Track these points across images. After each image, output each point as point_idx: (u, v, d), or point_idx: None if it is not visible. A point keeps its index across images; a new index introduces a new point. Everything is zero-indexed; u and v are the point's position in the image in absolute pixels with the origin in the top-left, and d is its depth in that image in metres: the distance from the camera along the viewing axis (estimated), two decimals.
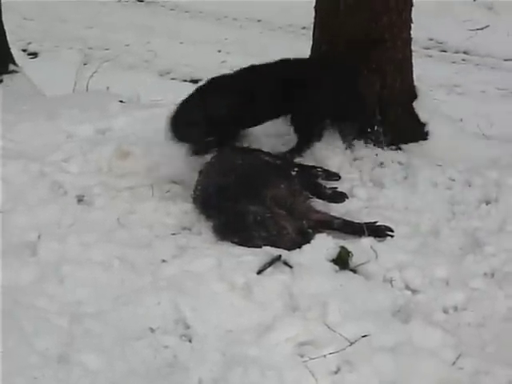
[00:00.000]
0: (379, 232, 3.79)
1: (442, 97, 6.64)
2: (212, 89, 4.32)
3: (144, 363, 3.03)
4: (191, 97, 4.31)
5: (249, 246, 3.66)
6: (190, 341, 3.15)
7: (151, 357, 3.06)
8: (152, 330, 3.17)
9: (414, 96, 4.76)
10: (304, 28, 8.01)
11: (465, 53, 8.43)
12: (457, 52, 8.46)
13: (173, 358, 3.07)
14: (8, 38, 6.29)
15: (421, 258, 3.63)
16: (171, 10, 9.81)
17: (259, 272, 3.44)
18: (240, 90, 4.29)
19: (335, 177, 4.24)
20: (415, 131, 4.70)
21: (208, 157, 4.19)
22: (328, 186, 4.08)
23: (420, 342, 3.11)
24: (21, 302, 3.23)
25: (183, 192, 4.13)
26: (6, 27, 6.24)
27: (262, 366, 2.97)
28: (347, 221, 3.83)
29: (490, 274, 3.58)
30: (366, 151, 4.51)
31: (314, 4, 4.72)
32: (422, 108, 4.74)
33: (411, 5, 4.63)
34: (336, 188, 4.10)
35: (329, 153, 4.44)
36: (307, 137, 4.42)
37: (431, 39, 8.63)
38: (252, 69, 4.40)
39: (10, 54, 6.33)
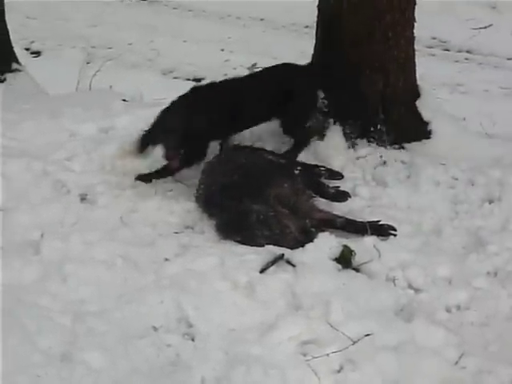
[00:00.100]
0: (382, 231, 3.79)
1: (445, 96, 6.62)
2: (193, 100, 4.25)
3: (147, 362, 3.04)
4: (173, 105, 4.25)
5: (252, 245, 3.66)
6: (192, 339, 3.15)
7: (154, 355, 3.07)
8: (155, 329, 3.18)
9: (417, 95, 4.75)
10: (307, 27, 7.99)
11: (468, 52, 8.41)
12: (460, 51, 8.44)
13: (176, 357, 3.08)
14: (11, 36, 6.30)
15: (424, 257, 3.63)
16: (174, 8, 9.81)
17: (262, 271, 3.44)
18: (221, 103, 4.25)
19: (338, 176, 4.25)
20: (418, 130, 4.69)
21: (210, 156, 4.20)
22: (331, 185, 4.09)
23: (423, 341, 3.11)
24: (24, 301, 3.23)
25: (186, 191, 4.13)
26: (9, 26, 6.26)
27: (265, 365, 2.97)
28: (350, 220, 3.83)
29: (493, 273, 3.59)
30: (368, 150, 4.50)
31: (317, 3, 4.72)
32: (425, 107, 4.73)
33: (414, 3, 4.63)
34: (339, 187, 4.10)
35: (332, 152, 4.44)
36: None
37: (434, 38, 8.61)
38: (235, 80, 4.40)
39: (13, 53, 6.34)
